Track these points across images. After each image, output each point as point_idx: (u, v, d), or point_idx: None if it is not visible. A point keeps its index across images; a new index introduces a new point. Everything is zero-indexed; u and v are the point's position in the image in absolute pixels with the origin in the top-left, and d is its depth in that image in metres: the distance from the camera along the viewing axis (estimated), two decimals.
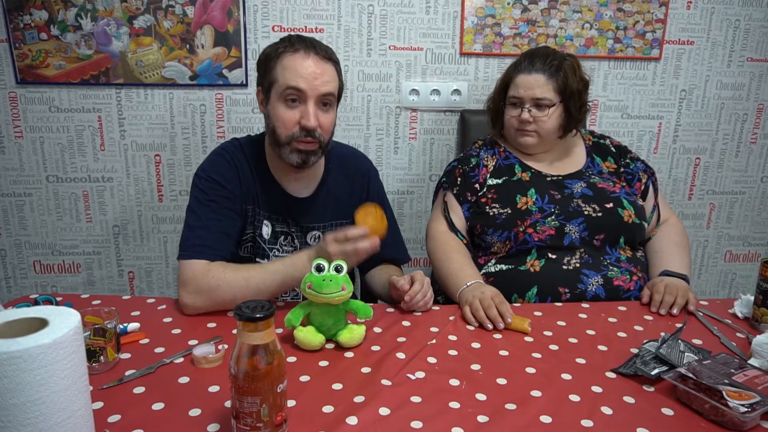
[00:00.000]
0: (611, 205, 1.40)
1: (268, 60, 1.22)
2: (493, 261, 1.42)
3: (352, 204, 1.37)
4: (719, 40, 1.99)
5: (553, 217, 1.38)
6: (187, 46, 1.83)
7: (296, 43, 1.20)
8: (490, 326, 1.13)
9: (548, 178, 1.47)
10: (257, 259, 1.32)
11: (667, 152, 2.10)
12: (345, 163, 1.39)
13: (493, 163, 1.51)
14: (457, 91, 1.94)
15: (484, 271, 1.41)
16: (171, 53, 1.84)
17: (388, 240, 1.45)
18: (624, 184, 1.48)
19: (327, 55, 1.21)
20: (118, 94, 1.87)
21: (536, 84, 1.42)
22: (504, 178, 1.47)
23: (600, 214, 1.38)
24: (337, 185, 1.36)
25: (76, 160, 1.92)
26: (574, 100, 1.44)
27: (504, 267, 1.40)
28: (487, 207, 1.43)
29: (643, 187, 1.49)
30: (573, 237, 1.37)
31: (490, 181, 1.48)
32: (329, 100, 1.22)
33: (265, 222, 1.31)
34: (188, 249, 1.19)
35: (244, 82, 1.88)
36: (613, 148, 1.54)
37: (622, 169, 1.50)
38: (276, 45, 1.23)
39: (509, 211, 1.40)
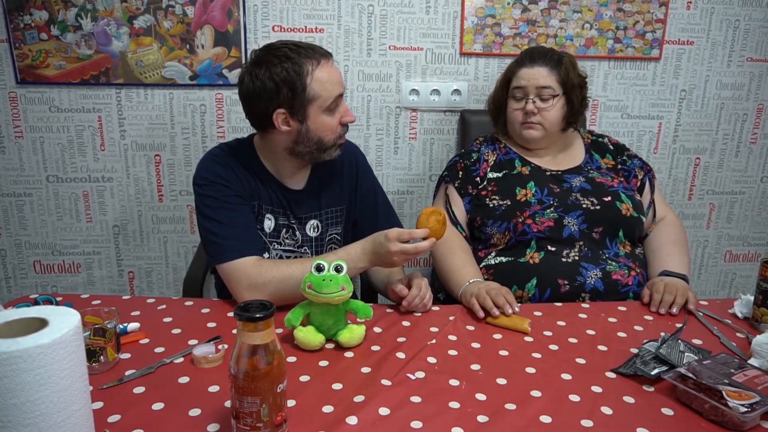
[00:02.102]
0: (609, 198, 1.41)
1: (294, 81, 1.18)
2: (493, 253, 1.43)
3: (343, 190, 1.40)
4: (719, 40, 1.99)
5: (552, 209, 1.40)
6: (187, 46, 1.83)
7: (307, 53, 1.21)
8: (497, 312, 1.15)
9: (548, 173, 1.49)
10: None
11: (667, 152, 2.10)
12: None
13: (494, 158, 1.53)
14: (457, 91, 1.94)
15: (484, 263, 1.42)
16: (171, 53, 1.84)
17: (384, 225, 1.46)
18: (622, 179, 1.50)
19: (330, 53, 1.26)
20: (118, 94, 1.87)
21: (539, 75, 1.46)
22: (504, 172, 1.50)
23: (598, 208, 1.40)
24: (327, 173, 1.39)
25: (76, 160, 1.92)
26: (575, 93, 1.48)
27: (504, 259, 1.41)
28: (487, 199, 1.45)
29: (639, 184, 1.51)
30: (572, 229, 1.38)
31: (490, 175, 1.50)
32: None
33: (268, 216, 1.33)
34: (228, 251, 1.20)
35: None
36: (611, 146, 1.56)
37: (619, 166, 1.52)
38: (291, 65, 1.18)
39: (509, 203, 1.42)
